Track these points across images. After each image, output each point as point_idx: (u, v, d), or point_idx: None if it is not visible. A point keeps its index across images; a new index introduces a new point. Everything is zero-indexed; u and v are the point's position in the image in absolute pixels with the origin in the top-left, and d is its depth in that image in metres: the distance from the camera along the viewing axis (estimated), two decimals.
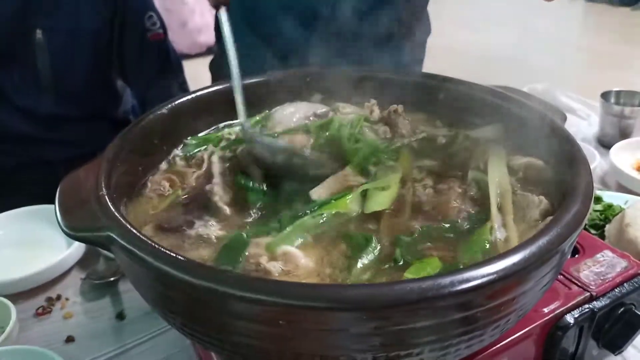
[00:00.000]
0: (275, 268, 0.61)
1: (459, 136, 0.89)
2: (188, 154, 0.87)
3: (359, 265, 0.63)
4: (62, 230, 0.62)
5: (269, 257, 0.63)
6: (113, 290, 1.01)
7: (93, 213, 0.61)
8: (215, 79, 1.47)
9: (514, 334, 0.67)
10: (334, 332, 0.51)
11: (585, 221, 0.59)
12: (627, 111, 1.49)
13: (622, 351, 0.78)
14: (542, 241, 0.54)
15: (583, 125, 1.64)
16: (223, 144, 0.87)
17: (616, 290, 0.73)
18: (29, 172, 1.47)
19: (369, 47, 1.19)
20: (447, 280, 0.49)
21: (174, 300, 0.57)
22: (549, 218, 0.63)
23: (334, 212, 0.71)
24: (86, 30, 1.41)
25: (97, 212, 0.61)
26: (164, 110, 0.85)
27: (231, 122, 0.95)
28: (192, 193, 0.78)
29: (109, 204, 0.62)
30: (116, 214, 0.61)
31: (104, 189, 0.65)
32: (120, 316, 0.95)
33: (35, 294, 1.01)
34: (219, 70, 1.50)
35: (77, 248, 1.07)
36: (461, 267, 0.58)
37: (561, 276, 0.74)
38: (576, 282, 0.73)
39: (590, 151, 1.38)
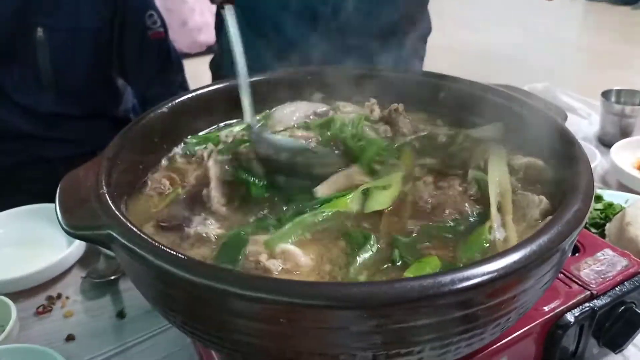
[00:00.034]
0: (274, 266, 0.61)
1: (459, 135, 0.89)
2: (188, 152, 0.87)
3: (358, 262, 0.63)
4: (63, 228, 0.62)
5: (269, 254, 0.63)
6: (113, 289, 1.01)
7: (93, 211, 0.61)
8: (215, 78, 1.47)
9: (514, 333, 0.67)
10: (334, 330, 0.51)
11: (586, 220, 0.59)
12: (628, 110, 1.48)
13: (623, 350, 0.78)
14: (542, 239, 0.54)
15: (584, 124, 1.64)
16: (221, 146, 0.87)
17: (617, 288, 0.73)
18: (29, 171, 1.47)
19: (369, 45, 1.19)
20: (447, 278, 0.49)
21: (175, 299, 0.57)
22: (549, 218, 0.63)
23: (334, 211, 0.71)
24: (86, 29, 1.41)
25: (97, 210, 0.61)
26: (165, 109, 0.85)
27: (231, 121, 0.95)
28: (192, 191, 0.78)
29: (109, 202, 0.62)
30: (116, 212, 0.61)
31: (104, 187, 0.65)
32: (120, 315, 0.95)
33: (36, 292, 1.01)
34: (219, 69, 1.50)
35: (78, 247, 1.07)
36: (461, 266, 0.58)
37: (562, 275, 0.74)
38: (577, 280, 0.73)
39: (591, 150, 1.38)
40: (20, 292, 1.00)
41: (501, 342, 0.66)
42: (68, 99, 1.45)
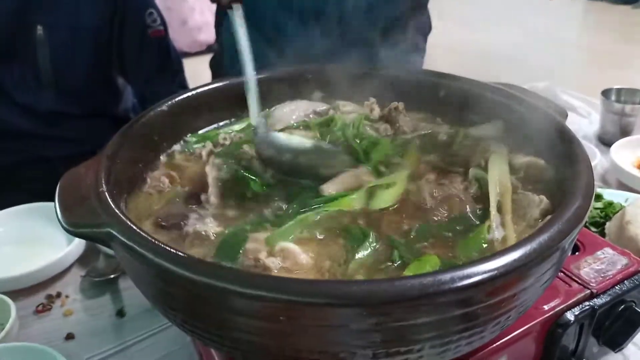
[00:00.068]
0: (274, 264, 0.61)
1: (459, 134, 0.89)
2: (187, 151, 0.87)
3: (356, 259, 0.63)
4: (62, 226, 0.62)
5: (268, 252, 0.63)
6: (113, 288, 1.01)
7: (93, 209, 0.61)
8: (215, 77, 1.47)
9: (514, 331, 0.67)
10: (334, 328, 0.51)
11: (586, 218, 0.59)
12: (628, 109, 1.48)
13: (623, 348, 0.78)
14: (542, 238, 0.53)
15: (584, 123, 1.64)
16: (219, 149, 0.87)
17: (616, 287, 0.73)
18: (29, 170, 1.47)
19: (370, 44, 1.19)
20: (447, 276, 0.49)
21: (174, 297, 0.57)
22: (549, 217, 0.63)
23: (336, 209, 0.71)
24: (86, 27, 1.41)
25: (97, 208, 0.61)
26: (164, 107, 0.85)
27: (231, 120, 0.95)
28: (192, 189, 0.78)
29: (109, 200, 0.62)
30: (116, 210, 0.60)
31: (104, 186, 0.65)
32: (120, 313, 0.95)
33: (35, 291, 1.01)
34: (219, 68, 1.50)
35: (77, 245, 1.07)
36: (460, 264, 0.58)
37: (562, 273, 0.74)
38: (576, 279, 0.73)
39: (591, 149, 1.38)
40: (20, 291, 1.00)
41: (501, 341, 0.66)
42: (68, 98, 1.45)
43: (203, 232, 0.68)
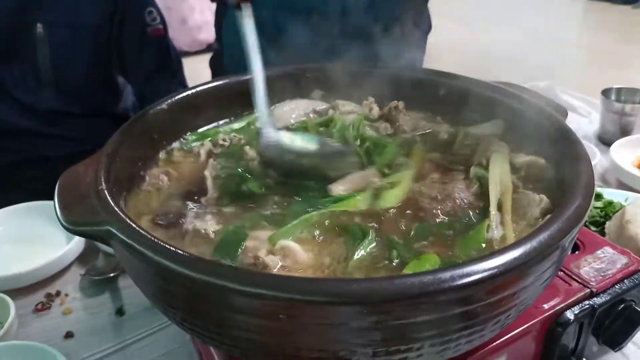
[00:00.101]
0: (273, 262, 0.61)
1: (460, 133, 0.89)
2: (186, 149, 0.87)
3: (355, 257, 0.63)
4: (62, 224, 0.62)
5: (268, 250, 0.63)
6: (112, 286, 1.01)
7: (92, 207, 0.61)
8: (215, 76, 1.47)
9: (514, 330, 0.66)
10: (334, 326, 0.50)
11: (586, 217, 0.59)
12: (628, 108, 1.48)
13: (622, 347, 0.78)
14: (542, 236, 0.53)
15: (584, 122, 1.64)
16: (218, 150, 0.87)
17: (616, 286, 0.73)
18: (29, 168, 1.47)
19: (369, 42, 1.19)
20: (447, 274, 0.48)
21: (174, 295, 0.57)
22: (549, 216, 0.63)
23: (341, 209, 0.71)
24: (86, 25, 1.41)
25: (96, 206, 0.61)
26: (164, 106, 0.85)
27: (230, 119, 0.95)
28: (190, 188, 0.78)
29: (109, 198, 0.62)
30: (115, 208, 0.60)
31: (103, 184, 0.65)
32: (119, 312, 0.95)
33: (35, 289, 1.01)
34: (219, 67, 1.50)
35: (77, 244, 1.07)
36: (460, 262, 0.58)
37: (561, 272, 0.74)
38: (576, 278, 0.73)
39: (591, 148, 1.38)
40: (19, 289, 1.00)
41: (501, 340, 0.66)
42: (67, 97, 1.45)
43: (202, 230, 0.68)
